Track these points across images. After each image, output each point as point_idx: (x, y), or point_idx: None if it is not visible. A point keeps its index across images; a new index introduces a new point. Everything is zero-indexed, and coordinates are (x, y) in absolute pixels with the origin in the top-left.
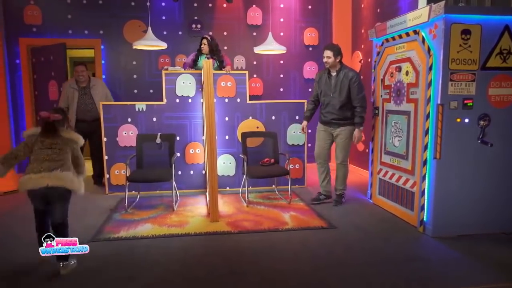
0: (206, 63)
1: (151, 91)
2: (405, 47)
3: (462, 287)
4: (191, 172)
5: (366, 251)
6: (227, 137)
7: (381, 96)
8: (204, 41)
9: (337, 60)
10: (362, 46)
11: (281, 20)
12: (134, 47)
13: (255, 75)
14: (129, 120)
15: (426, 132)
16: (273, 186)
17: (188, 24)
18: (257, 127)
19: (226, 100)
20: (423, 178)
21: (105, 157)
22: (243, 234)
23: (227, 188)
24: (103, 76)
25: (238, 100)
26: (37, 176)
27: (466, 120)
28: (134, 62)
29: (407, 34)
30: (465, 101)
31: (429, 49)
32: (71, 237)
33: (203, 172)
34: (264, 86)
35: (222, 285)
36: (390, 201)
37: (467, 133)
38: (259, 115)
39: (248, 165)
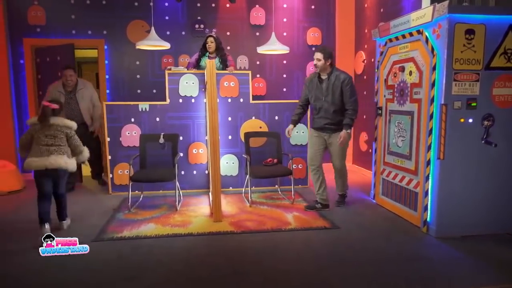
0: (209, 63)
1: (154, 91)
2: (409, 47)
3: None
4: (194, 172)
5: (369, 251)
6: (230, 137)
7: (385, 96)
8: (211, 39)
9: (327, 63)
10: (366, 46)
11: (284, 20)
12: (138, 47)
13: (258, 75)
14: (132, 120)
15: (430, 132)
16: (276, 186)
17: (191, 24)
18: (260, 127)
19: (229, 100)
20: (427, 178)
21: (108, 157)
22: (246, 234)
23: (230, 188)
24: (106, 76)
25: (241, 100)
26: (38, 159)
27: (470, 120)
28: (138, 62)
29: (411, 34)
30: (469, 101)
31: (432, 49)
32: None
33: (206, 172)
34: (267, 86)
35: (225, 285)
36: (393, 201)
37: (471, 133)
38: (262, 115)
39: (251, 165)
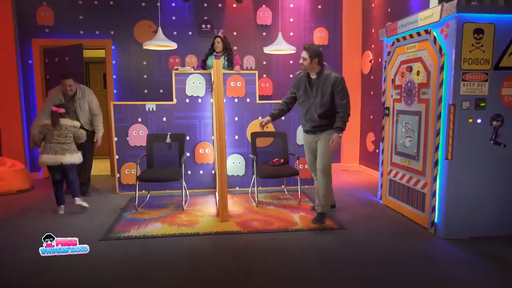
0: (216, 63)
1: (161, 91)
2: (416, 46)
3: None
4: (201, 172)
5: (376, 253)
6: (236, 137)
7: (392, 96)
8: (218, 39)
9: (314, 62)
10: (373, 46)
11: (291, 20)
12: (145, 47)
13: (264, 75)
14: (140, 120)
15: (438, 133)
16: (283, 186)
17: (198, 24)
18: (267, 127)
19: (236, 100)
20: (434, 179)
21: (116, 157)
22: (252, 234)
23: (237, 188)
24: (114, 76)
25: (248, 100)
26: (52, 156)
27: (479, 121)
28: (145, 62)
29: (418, 34)
30: (478, 102)
31: (440, 49)
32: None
33: (213, 172)
34: (274, 86)
35: (231, 285)
36: (400, 202)
37: (480, 134)
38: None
39: (257, 165)
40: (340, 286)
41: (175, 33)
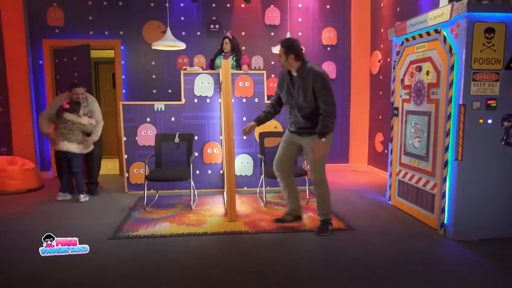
0: (224, 63)
1: (170, 91)
2: (426, 46)
3: None
4: (209, 171)
5: (384, 254)
6: (244, 137)
7: (401, 96)
8: (226, 40)
9: (291, 59)
10: (382, 46)
11: (299, 20)
12: (153, 47)
13: (273, 75)
14: (148, 119)
15: (447, 133)
16: None
17: (206, 25)
18: (275, 127)
19: (244, 100)
20: (444, 180)
21: (125, 156)
22: (260, 234)
23: (245, 188)
24: (123, 76)
25: (256, 100)
26: (60, 143)
27: (489, 121)
28: (153, 62)
29: (428, 33)
30: (489, 102)
31: (450, 49)
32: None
33: (221, 171)
34: None
35: (239, 284)
36: (409, 203)
37: (490, 134)
38: (277, 115)
39: (265, 165)
40: (347, 287)
41: (183, 33)
